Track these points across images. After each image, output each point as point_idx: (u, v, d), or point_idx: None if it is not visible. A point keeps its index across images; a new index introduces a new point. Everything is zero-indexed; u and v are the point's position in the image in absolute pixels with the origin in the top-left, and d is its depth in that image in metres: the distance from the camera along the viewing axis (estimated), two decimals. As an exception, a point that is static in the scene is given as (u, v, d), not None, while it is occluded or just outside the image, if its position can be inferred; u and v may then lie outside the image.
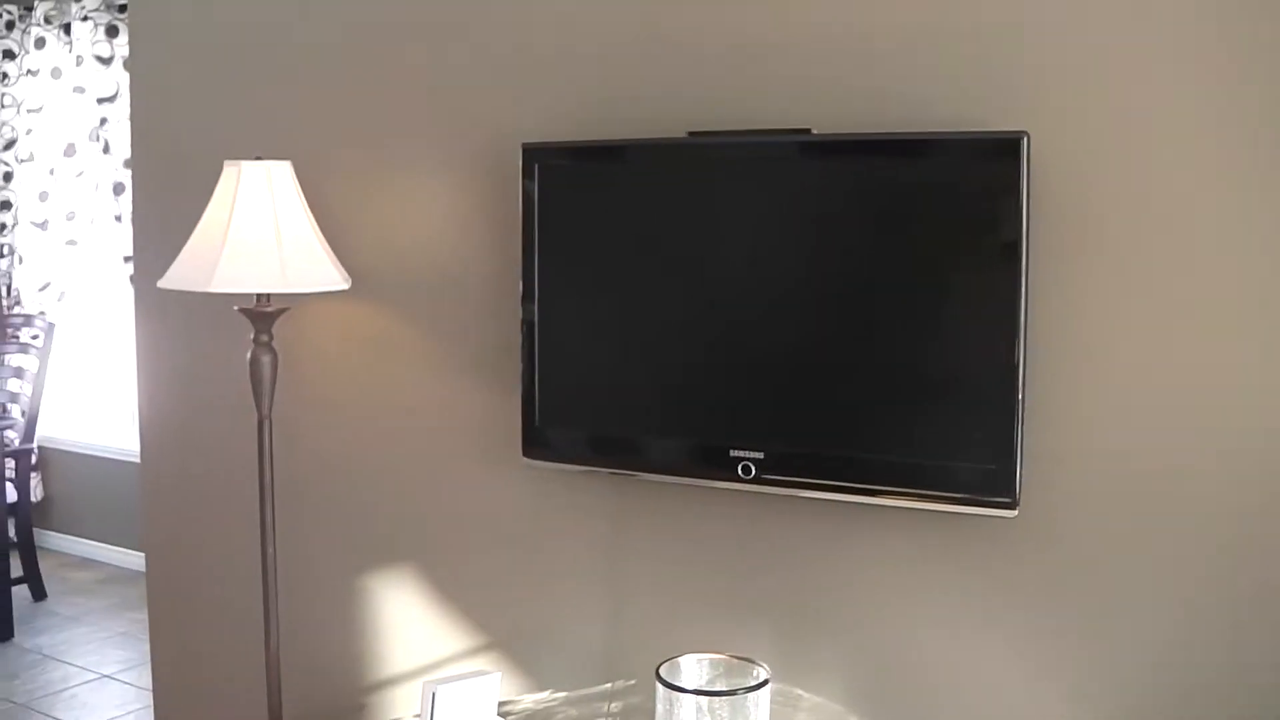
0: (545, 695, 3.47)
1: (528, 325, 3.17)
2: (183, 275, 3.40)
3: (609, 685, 3.35)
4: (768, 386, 2.89)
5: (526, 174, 3.14)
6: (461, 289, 3.50)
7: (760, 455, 2.88)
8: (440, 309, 3.55)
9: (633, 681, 3.30)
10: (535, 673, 3.49)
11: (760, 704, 2.78)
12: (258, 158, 3.44)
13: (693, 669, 2.93)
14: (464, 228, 3.48)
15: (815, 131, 2.82)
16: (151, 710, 4.60)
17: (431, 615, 3.68)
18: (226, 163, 3.44)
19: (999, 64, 2.70)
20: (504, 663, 3.53)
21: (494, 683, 3.21)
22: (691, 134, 2.96)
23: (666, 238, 2.99)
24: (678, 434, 3.01)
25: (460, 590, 3.63)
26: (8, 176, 6.91)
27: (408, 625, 3.74)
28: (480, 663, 3.57)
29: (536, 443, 3.21)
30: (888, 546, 2.92)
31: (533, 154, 3.14)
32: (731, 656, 2.95)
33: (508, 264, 3.30)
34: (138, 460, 4.51)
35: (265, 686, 3.73)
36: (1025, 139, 2.55)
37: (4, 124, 6.89)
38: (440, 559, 3.65)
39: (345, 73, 3.69)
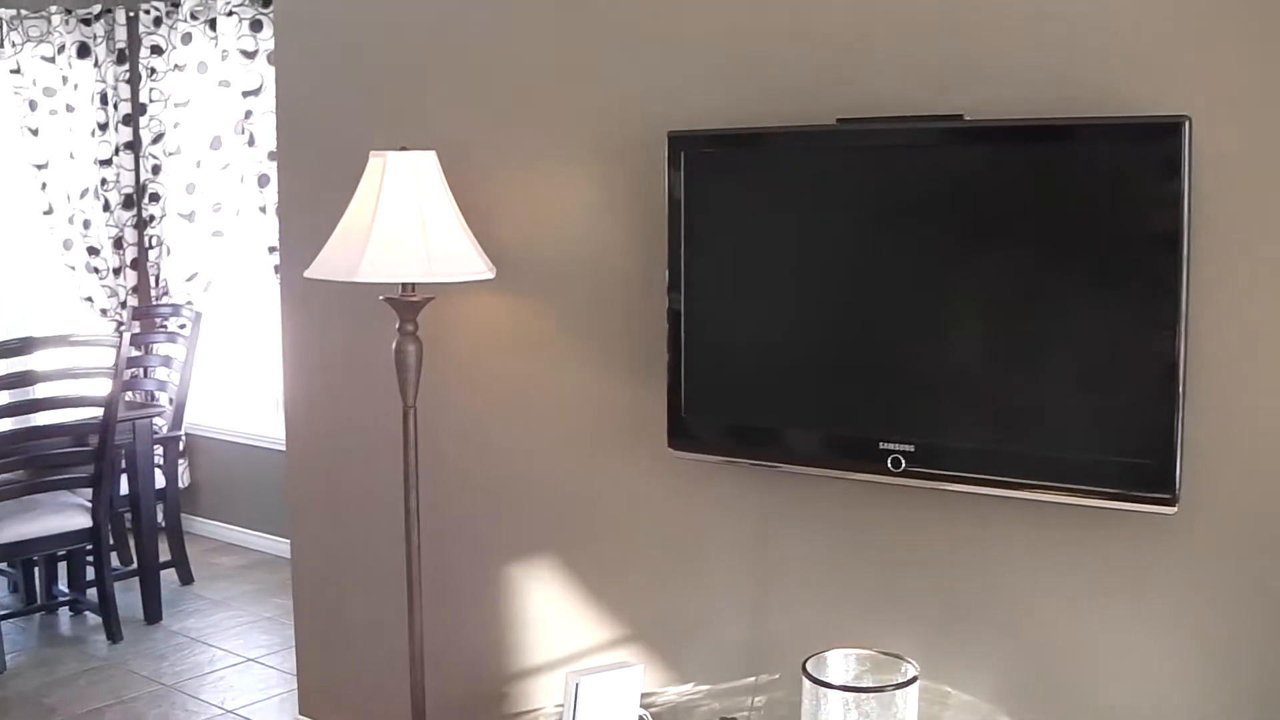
0: (688, 688, 3.45)
1: (673, 315, 3.15)
2: (329, 265, 3.42)
3: (753, 679, 3.32)
4: (919, 378, 2.83)
5: (672, 163, 3.11)
6: (606, 279, 3.48)
7: (910, 448, 2.83)
8: (584, 299, 3.54)
9: (776, 676, 3.27)
10: (678, 665, 3.47)
11: (909, 701, 2.73)
12: (403, 148, 3.45)
13: (839, 664, 2.89)
14: (608, 217, 3.47)
15: (968, 118, 2.76)
16: (295, 695, 4.66)
17: (574, 606, 3.68)
18: (372, 154, 3.46)
19: (1159, 46, 2.61)
20: (647, 655, 3.51)
21: (637, 675, 3.19)
22: (841, 121, 2.91)
23: (815, 226, 2.95)
24: (826, 426, 2.97)
25: (603, 581, 3.61)
26: (156, 169, 7.03)
27: (550, 615, 3.74)
28: (623, 655, 3.56)
29: (682, 434, 3.19)
30: (1039, 542, 2.85)
31: (679, 142, 3.11)
32: (879, 652, 2.90)
33: (653, 254, 3.28)
34: (283, 448, 4.56)
35: (408, 673, 3.76)
36: (1187, 123, 2.47)
37: (152, 118, 7.01)
38: (583, 549, 3.65)
39: (490, 61, 3.69)
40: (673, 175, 3.12)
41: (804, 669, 2.79)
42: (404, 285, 3.49)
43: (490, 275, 3.48)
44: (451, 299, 3.76)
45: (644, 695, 3.40)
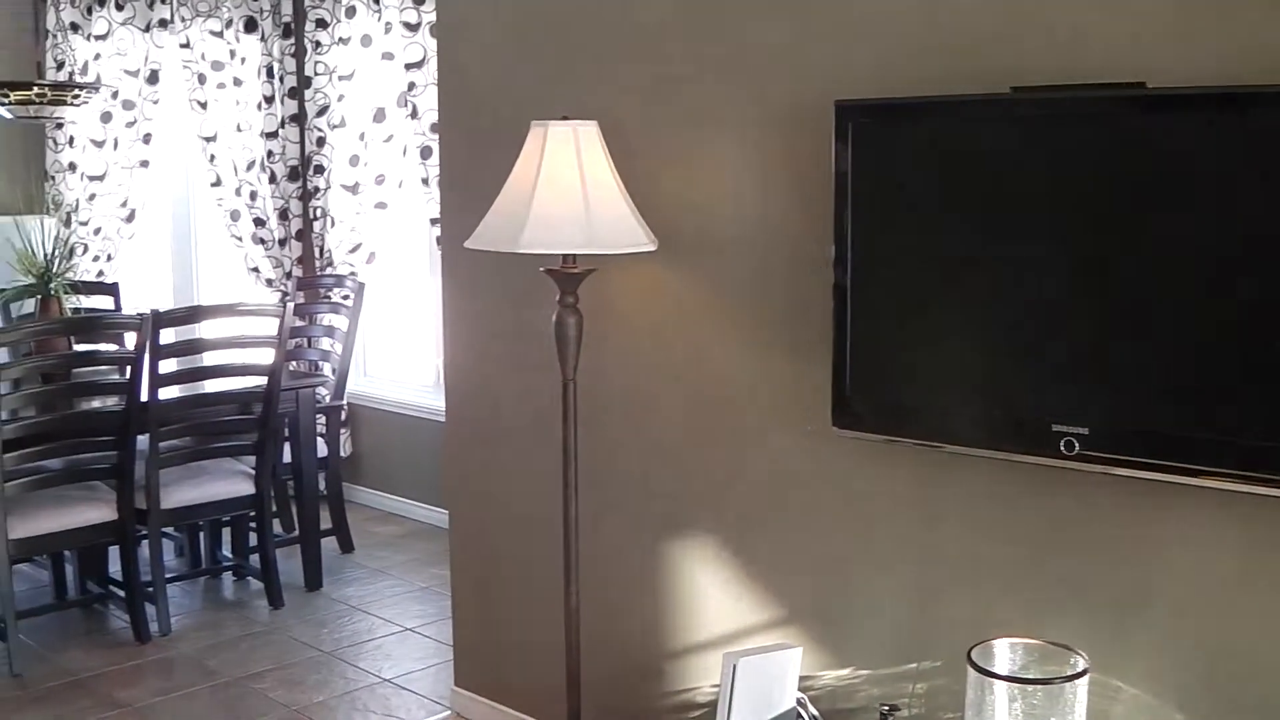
0: (847, 672, 3.38)
1: (839, 290, 3.08)
2: (489, 236, 3.41)
3: (914, 666, 3.24)
4: (1094, 357, 2.73)
5: (839, 132, 3.03)
6: (769, 252, 3.42)
7: (1084, 430, 2.72)
8: (747, 272, 3.48)
9: (939, 663, 3.19)
10: (838, 649, 3.40)
11: (1078, 695, 2.64)
12: (564, 118, 3.42)
13: (1005, 654, 2.81)
14: (772, 188, 3.40)
15: (1151, 85, 2.64)
16: (451, 665, 4.68)
17: (733, 585, 3.63)
18: (533, 123, 3.43)
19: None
20: (806, 637, 3.45)
21: (795, 657, 3.14)
22: (1015, 89, 2.81)
23: (987, 199, 2.86)
24: (996, 406, 2.88)
25: (763, 561, 3.56)
26: (320, 142, 7.10)
27: (708, 594, 3.69)
28: (781, 636, 3.50)
29: (846, 412, 3.12)
30: (1219, 532, 2.73)
31: (846, 111, 3.03)
32: (1046, 642, 2.81)
33: (818, 227, 3.21)
34: (443, 419, 4.57)
35: (564, 647, 3.74)
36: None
37: (317, 91, 7.08)
38: (743, 527, 3.59)
39: (651, 29, 3.64)
40: (839, 146, 3.04)
41: (969, 658, 2.71)
42: (565, 256, 3.46)
43: (652, 247, 3.44)
44: (612, 271, 3.73)
45: (802, 678, 3.35)
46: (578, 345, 3.55)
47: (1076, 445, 2.74)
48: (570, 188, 3.32)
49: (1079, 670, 2.67)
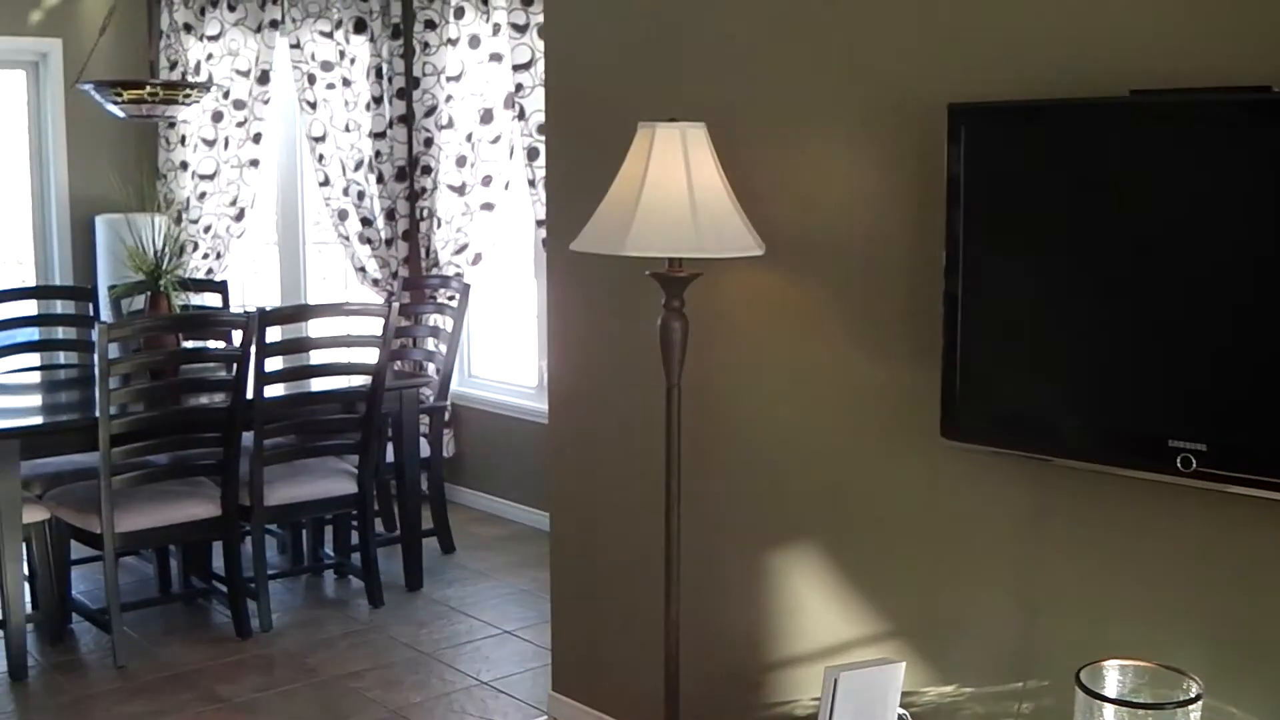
0: (951, 689, 3.31)
1: (950, 298, 3.01)
2: (595, 238, 3.38)
3: (1020, 685, 3.16)
4: (1215, 371, 2.64)
5: (952, 136, 2.97)
6: (878, 258, 3.36)
7: (1203, 447, 2.63)
8: (855, 278, 3.43)
9: (1046, 683, 3.11)
10: (942, 665, 3.33)
11: None
12: (671, 119, 3.38)
13: (1115, 676, 2.73)
14: (881, 192, 3.34)
15: (1276, 89, 2.55)
16: (549, 669, 4.66)
17: (836, 596, 3.57)
18: (640, 125, 3.40)
19: None
20: (909, 652, 3.38)
21: (898, 673, 3.08)
22: (1134, 92, 2.73)
23: (1105, 205, 2.78)
24: (1110, 420, 2.80)
25: (867, 573, 3.50)
26: (428, 142, 7.12)
27: (810, 605, 3.64)
28: (884, 650, 3.44)
29: (956, 423, 3.05)
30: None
31: (959, 115, 2.96)
32: (1158, 665, 2.73)
33: (928, 232, 3.15)
34: (545, 421, 4.55)
35: (663, 655, 3.70)
36: None
37: (425, 92, 7.10)
38: (847, 538, 3.54)
39: (760, 30, 3.60)
40: (952, 150, 2.98)
41: (1077, 679, 2.64)
42: (671, 260, 3.43)
43: (759, 252, 3.39)
44: (718, 275, 3.68)
45: (904, 694, 3.28)
46: (683, 350, 3.51)
47: (1193, 462, 2.65)
48: (677, 190, 3.29)
49: (1192, 696, 2.59)
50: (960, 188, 2.97)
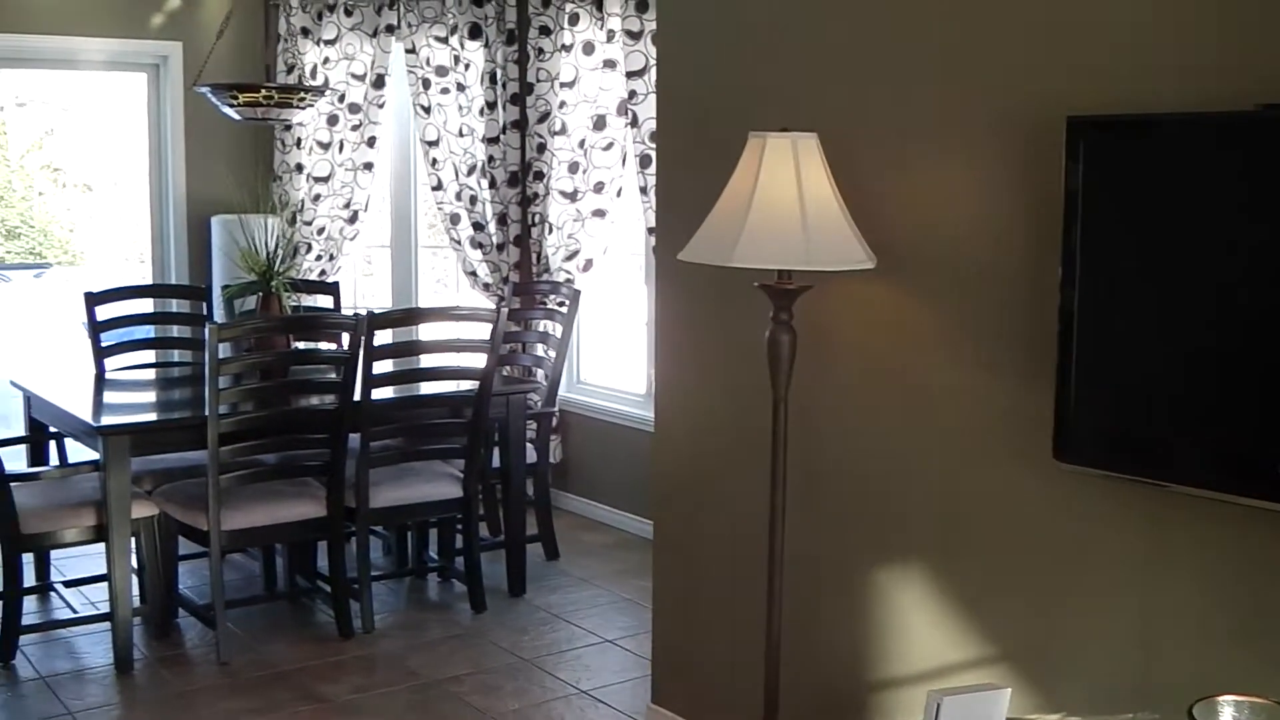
0: (1057, 718, 3.22)
1: (1064, 314, 2.93)
2: (704, 248, 3.34)
3: (1130, 716, 3.07)
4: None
5: (1070, 149, 2.89)
6: (992, 273, 3.29)
7: (1330, 475, 2.54)
8: (968, 293, 3.35)
9: (1157, 717, 3.01)
10: (1049, 693, 3.24)
11: (1313, 758, 2.46)
12: (783, 129, 3.33)
13: (1230, 713, 2.63)
14: (996, 205, 3.27)
15: None
16: (649, 681, 4.62)
17: (941, 618, 3.50)
18: (751, 134, 3.36)
19: None
20: (1015, 678, 3.30)
21: (1003, 699, 3.00)
22: (1261, 107, 2.64)
23: (1228, 222, 2.69)
24: (1231, 446, 2.70)
25: (973, 595, 3.42)
26: (540, 148, 7.12)
27: (915, 626, 3.57)
28: (989, 676, 3.36)
29: (1070, 445, 2.96)
30: None
31: (1078, 127, 2.89)
32: (1276, 703, 2.63)
33: (1044, 247, 3.07)
34: (652, 429, 4.52)
35: (763, 672, 3.65)
36: None
37: (538, 98, 7.10)
38: (954, 559, 3.46)
39: (873, 40, 3.54)
40: (1070, 163, 2.90)
41: (1190, 714, 2.55)
42: (780, 272, 3.38)
43: (870, 265, 3.34)
44: (828, 288, 3.63)
45: (1011, 720, 3.20)
46: (790, 364, 3.46)
47: (1320, 491, 2.55)
48: (787, 201, 3.24)
49: (1313, 733, 2.50)
50: (1078, 202, 2.89)
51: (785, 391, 3.48)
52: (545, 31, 7.01)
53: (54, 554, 6.12)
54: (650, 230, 6.37)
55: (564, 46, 6.92)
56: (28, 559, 5.53)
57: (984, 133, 3.28)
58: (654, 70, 6.09)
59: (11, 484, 5.15)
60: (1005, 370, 3.27)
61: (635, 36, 6.40)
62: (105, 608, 5.38)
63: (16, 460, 6.01)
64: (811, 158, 3.30)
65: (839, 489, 3.75)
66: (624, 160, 6.77)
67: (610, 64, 6.72)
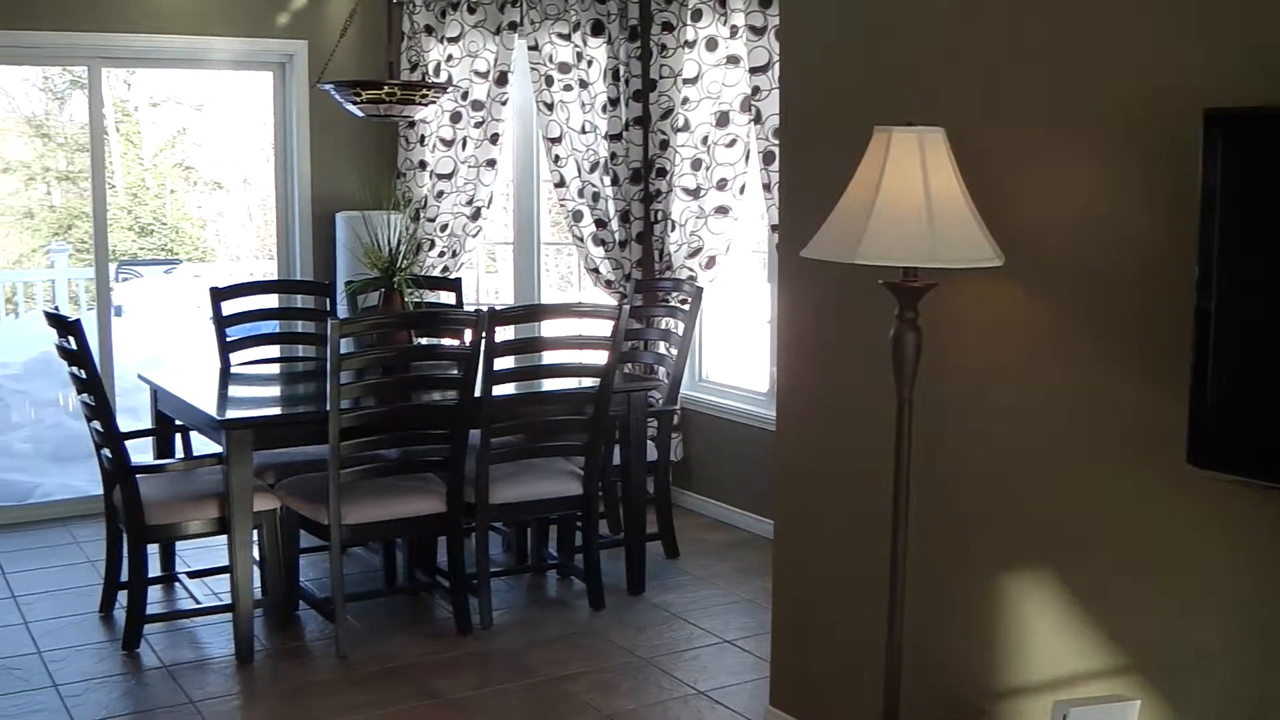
0: (1189, 729, 3.12)
1: (1201, 316, 2.82)
2: (827, 245, 3.29)
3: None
4: None
5: (1208, 143, 2.79)
6: (1123, 271, 3.19)
7: None
8: (1098, 293, 3.26)
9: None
10: (1180, 705, 3.14)
11: None
12: (908, 124, 3.26)
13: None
14: (1128, 202, 3.17)
15: None
16: (768, 682, 4.57)
17: (1067, 626, 3.40)
18: (876, 129, 3.30)
19: None
20: (1145, 690, 3.20)
21: (1132, 711, 2.92)
22: None
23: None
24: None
25: (1101, 604, 3.32)
26: (663, 145, 7.09)
27: (1041, 633, 3.48)
28: (1117, 687, 3.26)
29: (1205, 450, 2.85)
30: None
31: (1217, 120, 2.78)
32: None
33: (1178, 244, 2.97)
34: (774, 428, 4.46)
35: (883, 677, 3.59)
36: None
37: (661, 94, 7.06)
38: (1081, 565, 3.37)
39: (1000, 31, 3.46)
40: (1208, 158, 2.79)
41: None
42: (905, 270, 3.31)
43: (998, 262, 3.25)
44: (954, 286, 3.54)
45: (1140, 732, 3.11)
46: (915, 364, 3.39)
47: None
48: (913, 197, 3.17)
49: None
50: (1216, 198, 2.78)
51: (910, 391, 3.41)
52: (668, 27, 6.98)
53: (178, 545, 6.21)
54: (773, 227, 6.32)
55: (687, 43, 6.88)
56: (153, 550, 5.62)
57: (1115, 127, 3.19)
58: (777, 66, 6.04)
59: (138, 476, 5.22)
60: (1135, 372, 3.17)
61: (758, 32, 6.34)
62: (227, 599, 5.45)
63: (143, 453, 6.11)
64: (938, 152, 3.23)
65: (963, 492, 3.67)
66: (747, 157, 6.72)
67: (733, 60, 6.67)
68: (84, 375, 5.25)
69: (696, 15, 6.79)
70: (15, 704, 4.82)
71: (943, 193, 3.19)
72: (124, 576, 5.45)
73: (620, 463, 6.05)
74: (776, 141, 6.10)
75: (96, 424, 5.32)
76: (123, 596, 5.48)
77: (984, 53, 3.51)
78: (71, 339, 5.20)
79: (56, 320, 5.35)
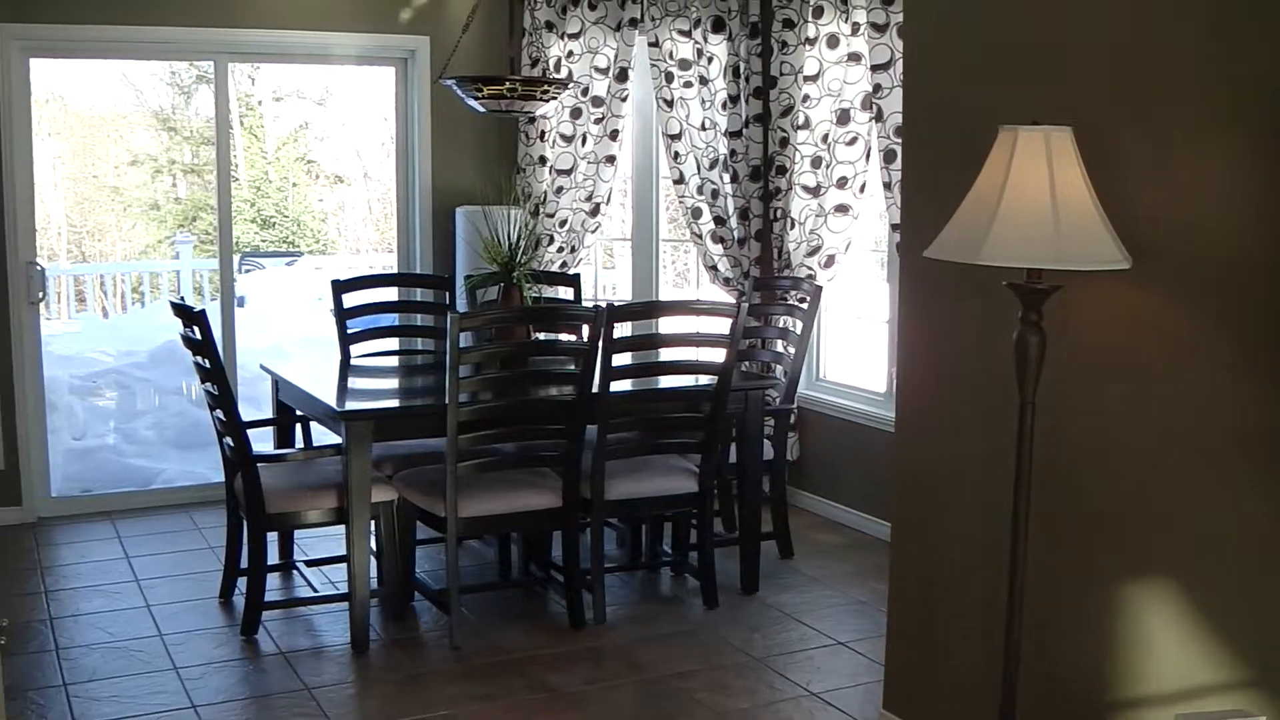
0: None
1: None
2: (951, 245, 3.25)
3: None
4: None
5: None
6: (1255, 274, 3.11)
7: None
8: (1228, 297, 3.18)
9: None
10: (1310, 718, 3.07)
11: None
12: (1034, 123, 3.21)
13: None
14: (1261, 204, 3.09)
15: None
16: (881, 686, 4.53)
17: (1190, 637, 3.33)
18: (1001, 128, 3.26)
19: None
20: (1269, 705, 3.12)
21: (1258, 725, 2.85)
22: None
23: None
24: None
25: (1227, 614, 3.25)
26: (783, 142, 7.05)
27: (1162, 643, 3.41)
28: (1241, 701, 3.19)
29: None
30: None
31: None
32: None
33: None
34: (892, 429, 4.42)
35: (1000, 684, 3.54)
36: None
37: (782, 91, 7.03)
38: (1207, 576, 3.29)
39: (1132, 29, 3.38)
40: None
41: None
42: (1029, 271, 3.26)
43: (1125, 265, 3.19)
44: (1079, 288, 3.48)
45: (1264, 748, 3.04)
46: (1039, 366, 3.34)
47: None
48: (1039, 197, 3.12)
49: None
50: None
51: (1032, 394, 3.36)
52: (789, 25, 6.94)
53: (297, 534, 6.30)
54: (894, 227, 6.26)
55: (808, 40, 6.84)
56: (271, 537, 5.69)
57: (1257, 125, 3.11)
58: (899, 64, 5.99)
59: (259, 464, 5.30)
60: (1267, 377, 3.09)
61: (880, 29, 6.28)
62: (344, 588, 5.52)
63: (264, 442, 6.19)
64: (1065, 152, 3.17)
65: (1087, 497, 3.61)
66: (868, 155, 6.66)
67: (855, 57, 6.62)
68: (208, 365, 5.33)
69: (818, 12, 6.75)
70: (138, 685, 4.91)
71: (1069, 193, 3.14)
72: (243, 563, 5.53)
73: (736, 461, 6.02)
74: (898, 140, 6.05)
75: (219, 413, 5.40)
76: (242, 583, 5.55)
77: (1115, 48, 3.45)
78: (197, 329, 5.28)
79: (183, 311, 5.43)
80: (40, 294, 7.10)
